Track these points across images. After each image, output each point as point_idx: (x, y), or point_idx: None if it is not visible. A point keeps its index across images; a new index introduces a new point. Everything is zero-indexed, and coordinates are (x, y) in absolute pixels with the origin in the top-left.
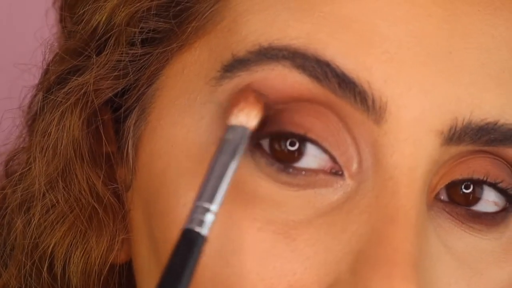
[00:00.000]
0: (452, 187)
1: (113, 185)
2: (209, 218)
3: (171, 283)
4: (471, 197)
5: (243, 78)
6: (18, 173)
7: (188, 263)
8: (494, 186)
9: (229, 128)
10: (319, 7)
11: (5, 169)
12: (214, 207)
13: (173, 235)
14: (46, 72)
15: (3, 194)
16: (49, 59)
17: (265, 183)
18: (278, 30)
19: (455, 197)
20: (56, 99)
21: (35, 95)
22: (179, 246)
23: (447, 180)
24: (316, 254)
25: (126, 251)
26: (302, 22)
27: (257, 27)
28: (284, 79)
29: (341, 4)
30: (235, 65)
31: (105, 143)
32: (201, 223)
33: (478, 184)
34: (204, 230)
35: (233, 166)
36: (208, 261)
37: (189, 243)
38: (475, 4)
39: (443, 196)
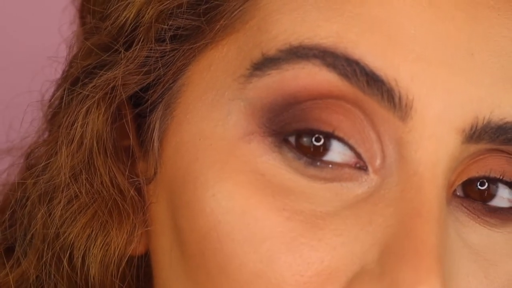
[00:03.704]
0: (468, 184)
1: (134, 178)
2: None
3: None
4: (486, 193)
5: (273, 76)
6: (41, 165)
7: None
8: (509, 184)
9: None
10: (348, 7)
11: (26, 161)
12: None
13: (200, 225)
14: (70, 66)
15: (24, 185)
16: (72, 54)
17: (293, 177)
18: (308, 30)
19: (471, 193)
20: (82, 93)
21: (57, 89)
22: None
23: (464, 177)
24: (343, 244)
25: (144, 244)
26: (332, 21)
27: (287, 26)
28: (314, 77)
29: (370, 5)
30: (265, 63)
31: (128, 137)
32: None
33: (494, 181)
34: None
35: None
36: (236, 249)
37: None
38: (495, 8)
39: (459, 192)
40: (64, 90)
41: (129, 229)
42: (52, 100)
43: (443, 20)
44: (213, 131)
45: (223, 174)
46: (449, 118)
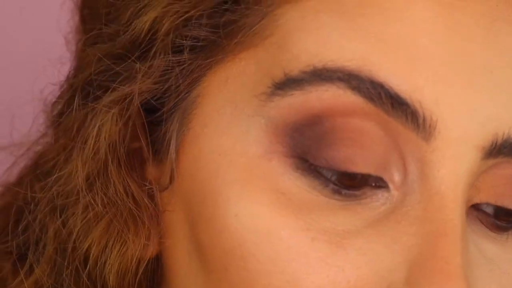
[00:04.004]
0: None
1: (147, 186)
2: None
3: None
4: (504, 218)
5: (296, 97)
6: (54, 176)
7: None
8: None
9: None
10: (370, 27)
11: (32, 165)
12: None
13: (223, 242)
14: (76, 72)
15: (32, 189)
16: (76, 58)
17: (312, 196)
18: (332, 52)
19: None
20: (96, 103)
21: (63, 94)
22: None
23: (483, 199)
24: (367, 263)
25: (156, 248)
26: (355, 43)
27: (310, 46)
28: (338, 99)
29: (392, 24)
30: (288, 84)
31: (137, 140)
32: None
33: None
34: None
35: None
36: (262, 269)
37: None
38: None
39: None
40: (71, 97)
41: (145, 237)
42: (59, 106)
43: (464, 38)
44: (232, 148)
45: (244, 193)
46: (471, 137)
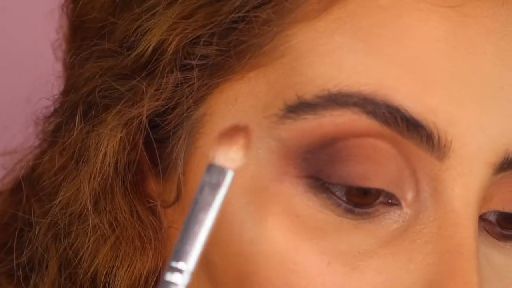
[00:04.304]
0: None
1: (152, 203)
2: (180, 279)
3: None
4: (508, 224)
5: (310, 121)
6: (58, 199)
7: None
8: None
9: (210, 168)
10: (384, 49)
11: (27, 180)
12: (188, 266)
13: (238, 267)
14: (75, 88)
15: (29, 206)
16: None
17: (325, 217)
18: (347, 76)
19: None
20: (100, 126)
21: (60, 110)
22: None
23: (491, 209)
24: (383, 284)
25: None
26: (370, 66)
27: (324, 70)
28: (353, 123)
29: (405, 45)
30: (301, 107)
31: (141, 159)
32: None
33: None
34: None
35: (209, 220)
36: None
37: None
38: None
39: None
40: (70, 115)
41: (152, 254)
42: (54, 121)
43: (476, 55)
44: (243, 170)
45: (258, 217)
46: (484, 154)
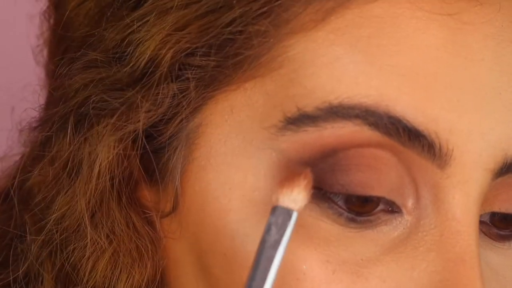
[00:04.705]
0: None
1: (147, 214)
2: None
3: None
4: (503, 224)
5: (310, 133)
6: (54, 215)
7: None
8: None
9: (275, 209)
10: (385, 59)
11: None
12: None
13: (240, 278)
14: (65, 99)
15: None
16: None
17: (328, 226)
18: (348, 87)
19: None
20: (95, 140)
21: (48, 121)
22: None
23: (487, 210)
24: None
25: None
26: (370, 77)
27: (324, 82)
28: (354, 135)
29: (405, 54)
30: (302, 119)
31: (136, 170)
32: None
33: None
34: None
35: (278, 257)
36: None
37: None
38: None
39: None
40: (60, 127)
41: (150, 265)
42: (42, 132)
43: (474, 63)
44: (243, 181)
45: (261, 228)
46: (484, 161)
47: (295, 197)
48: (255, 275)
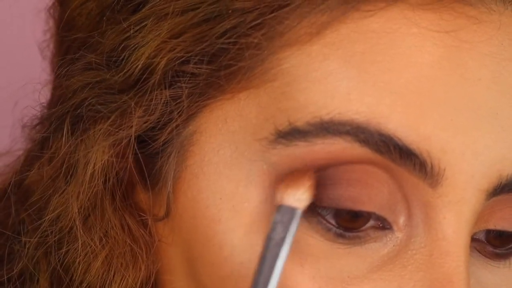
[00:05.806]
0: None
1: (142, 217)
2: None
3: None
4: (499, 242)
5: (301, 147)
6: (49, 216)
7: None
8: None
9: (280, 208)
10: (378, 75)
11: (17, 192)
12: None
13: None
14: (63, 100)
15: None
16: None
17: (316, 242)
18: (340, 103)
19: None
20: (87, 136)
21: (47, 120)
22: None
23: (482, 228)
24: None
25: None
26: (363, 94)
27: (316, 97)
28: (345, 151)
29: (398, 72)
30: (293, 134)
31: (130, 172)
32: None
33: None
34: None
35: (284, 254)
36: None
37: None
38: None
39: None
40: (57, 128)
41: (144, 267)
42: (41, 131)
43: (470, 81)
44: (234, 192)
45: (250, 240)
46: (477, 181)
47: (300, 197)
48: (263, 272)
